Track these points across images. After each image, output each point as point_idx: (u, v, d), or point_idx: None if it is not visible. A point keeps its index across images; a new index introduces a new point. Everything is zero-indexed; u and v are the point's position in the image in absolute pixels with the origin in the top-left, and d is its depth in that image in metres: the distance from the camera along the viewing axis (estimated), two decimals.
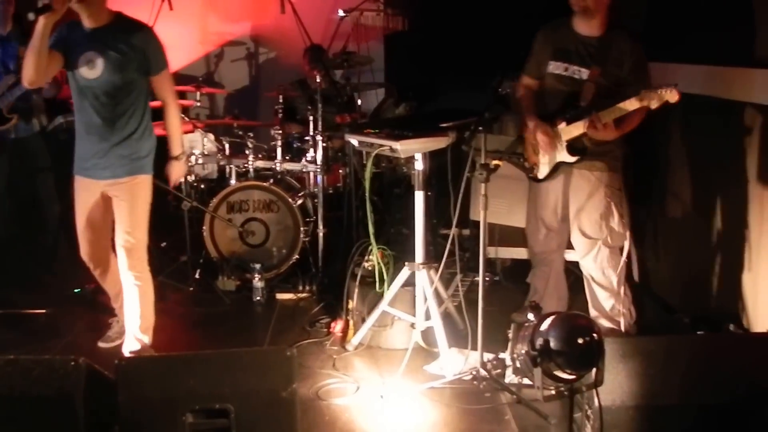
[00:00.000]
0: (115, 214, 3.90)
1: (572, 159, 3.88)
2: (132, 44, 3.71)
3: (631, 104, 3.57)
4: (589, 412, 3.09)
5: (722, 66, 3.87)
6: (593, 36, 3.83)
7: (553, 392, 2.45)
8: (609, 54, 3.78)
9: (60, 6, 3.38)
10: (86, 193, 3.91)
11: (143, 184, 3.90)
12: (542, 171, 4.04)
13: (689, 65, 4.14)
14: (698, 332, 4.04)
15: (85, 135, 3.82)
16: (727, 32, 3.88)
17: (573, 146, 3.87)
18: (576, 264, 4.45)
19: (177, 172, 4.13)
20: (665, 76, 3.90)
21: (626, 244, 4.16)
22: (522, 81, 4.12)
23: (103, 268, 4.09)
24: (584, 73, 3.82)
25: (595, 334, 2.31)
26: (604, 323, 4.04)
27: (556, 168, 3.98)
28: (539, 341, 2.32)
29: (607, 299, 4.05)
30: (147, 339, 3.97)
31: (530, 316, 2.52)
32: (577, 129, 3.78)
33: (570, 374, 2.35)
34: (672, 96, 3.44)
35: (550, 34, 3.97)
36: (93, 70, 3.68)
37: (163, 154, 4.15)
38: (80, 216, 3.93)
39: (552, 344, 2.30)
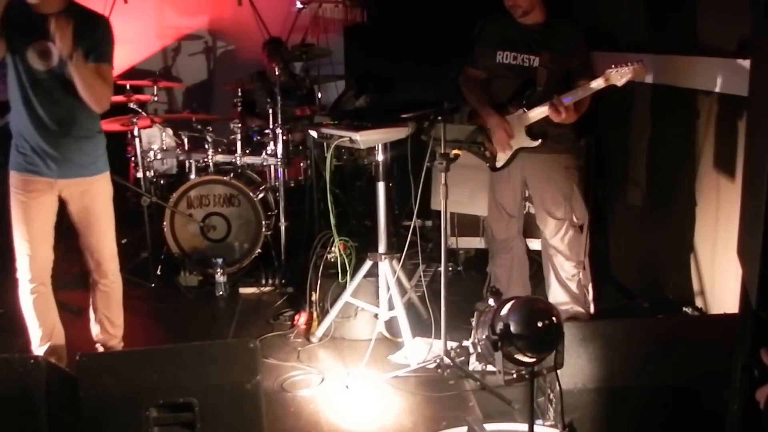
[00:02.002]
0: (82, 219, 3.66)
1: (534, 143, 3.94)
2: (88, 34, 3.40)
3: (597, 84, 3.65)
4: (551, 395, 3.15)
5: (670, 54, 3.94)
6: (537, 23, 3.91)
7: (514, 376, 2.48)
8: (554, 40, 3.86)
9: None
10: (38, 194, 3.57)
11: (108, 180, 3.74)
12: (500, 159, 4.09)
13: (638, 54, 4.19)
14: (658, 316, 4.12)
15: (36, 130, 3.50)
16: (673, 21, 3.95)
17: (532, 131, 3.92)
18: (537, 252, 4.51)
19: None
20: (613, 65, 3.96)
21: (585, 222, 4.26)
22: (467, 72, 4.13)
23: (44, 287, 3.72)
24: (535, 60, 3.89)
25: (554, 317, 2.34)
26: (567, 307, 4.11)
27: (515, 154, 4.03)
28: (499, 326, 2.35)
29: (573, 277, 4.12)
30: (120, 333, 3.96)
31: (490, 301, 2.55)
32: (539, 114, 3.85)
33: (530, 357, 2.38)
34: (640, 72, 3.51)
35: (493, 26, 3.99)
36: (46, 61, 3.40)
37: (117, 151, 4.08)
38: (29, 222, 3.57)
39: (512, 328, 2.33)
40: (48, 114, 3.49)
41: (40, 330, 3.76)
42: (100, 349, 3.93)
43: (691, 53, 3.81)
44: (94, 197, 3.67)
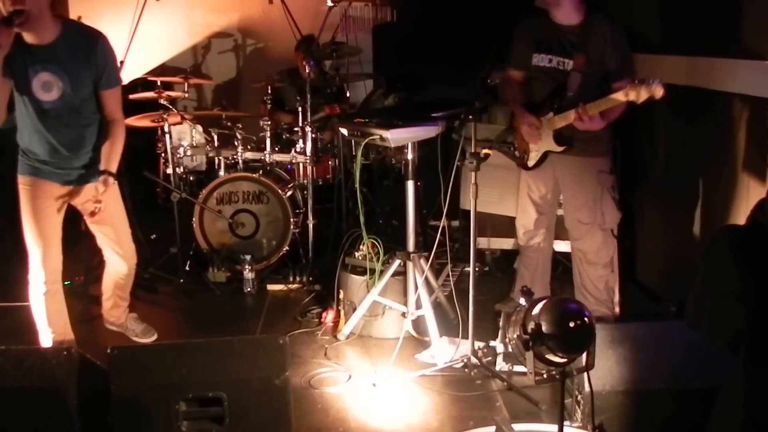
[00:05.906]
0: (99, 218, 3.67)
1: (559, 149, 3.91)
2: (86, 57, 3.45)
3: (617, 98, 3.53)
4: (579, 397, 3.13)
5: (706, 57, 3.89)
6: (573, 25, 3.83)
7: (545, 376, 2.47)
8: (590, 41, 3.78)
9: (6, 43, 3.16)
10: (50, 199, 3.62)
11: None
12: (532, 159, 4.07)
13: (673, 56, 4.16)
14: None
15: (49, 154, 3.56)
16: (710, 23, 3.91)
17: (560, 136, 3.88)
18: (564, 254, 4.48)
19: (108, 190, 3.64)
20: (650, 67, 3.91)
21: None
22: (507, 73, 4.13)
23: (56, 286, 3.72)
24: (569, 64, 3.83)
25: (586, 318, 2.33)
26: (593, 308, 4.07)
27: (545, 156, 4.00)
28: (531, 325, 2.34)
29: (599, 279, 4.09)
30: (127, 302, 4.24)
31: (522, 300, 2.54)
32: (565, 120, 3.79)
33: (562, 358, 2.37)
34: (657, 91, 3.40)
35: (530, 27, 3.97)
36: (50, 93, 3.42)
37: (147, 147, 4.08)
38: (40, 222, 3.58)
39: (544, 328, 2.31)
40: (59, 139, 3.55)
41: (52, 334, 3.75)
42: (112, 328, 4.21)
43: (721, 55, 3.76)
44: (106, 195, 3.63)
